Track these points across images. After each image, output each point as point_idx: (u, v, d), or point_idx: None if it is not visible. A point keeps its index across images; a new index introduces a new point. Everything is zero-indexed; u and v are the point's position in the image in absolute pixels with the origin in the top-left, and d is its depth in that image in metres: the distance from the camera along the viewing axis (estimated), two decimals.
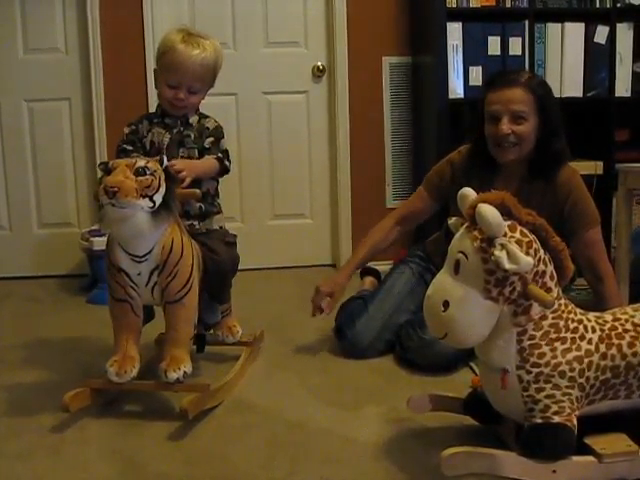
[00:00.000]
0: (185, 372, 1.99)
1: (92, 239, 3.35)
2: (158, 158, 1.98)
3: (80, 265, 3.80)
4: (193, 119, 2.28)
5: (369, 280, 2.89)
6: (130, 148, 2.22)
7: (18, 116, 3.83)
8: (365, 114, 3.90)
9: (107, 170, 1.91)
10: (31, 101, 3.83)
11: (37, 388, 2.27)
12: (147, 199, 1.88)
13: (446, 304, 1.54)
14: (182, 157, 2.21)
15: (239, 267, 2.38)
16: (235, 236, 2.37)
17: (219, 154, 2.24)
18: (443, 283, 1.59)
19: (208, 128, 2.27)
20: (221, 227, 2.33)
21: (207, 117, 2.31)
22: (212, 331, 2.44)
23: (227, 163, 2.25)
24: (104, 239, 2.11)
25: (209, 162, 2.21)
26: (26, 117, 3.84)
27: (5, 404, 2.14)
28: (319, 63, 3.91)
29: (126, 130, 2.27)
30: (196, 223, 2.25)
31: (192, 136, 2.25)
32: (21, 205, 3.89)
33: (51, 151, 3.85)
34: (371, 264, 2.86)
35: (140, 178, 1.88)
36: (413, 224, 2.58)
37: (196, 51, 2.19)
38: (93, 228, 3.44)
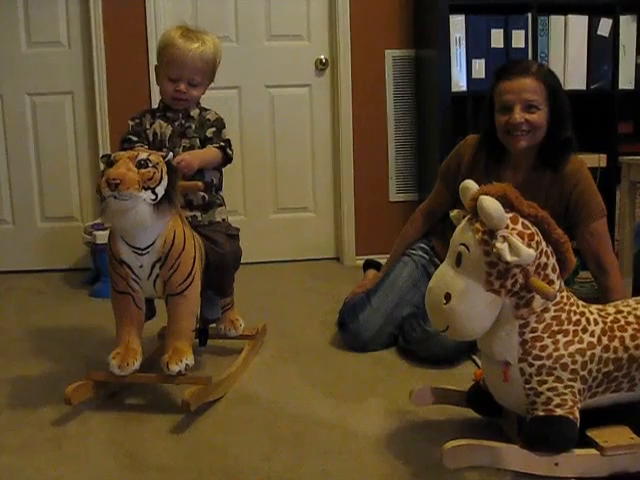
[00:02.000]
0: (187, 364, 1.99)
1: (95, 233, 3.35)
2: (163, 153, 1.99)
3: (83, 259, 3.81)
4: (194, 112, 2.30)
5: (372, 273, 2.88)
6: (135, 139, 2.24)
7: (21, 110, 3.83)
8: (368, 107, 3.89)
9: (109, 162, 1.92)
10: (34, 95, 3.83)
11: (39, 381, 2.27)
12: (149, 191, 1.88)
13: (448, 296, 1.54)
14: (184, 147, 2.23)
15: (242, 260, 2.38)
16: (238, 229, 2.37)
17: (221, 143, 2.25)
18: (445, 275, 1.59)
19: (209, 119, 2.29)
20: (224, 219, 2.33)
21: (208, 110, 2.33)
22: (214, 325, 2.44)
23: (229, 152, 2.27)
24: (107, 233, 2.11)
25: (211, 151, 2.23)
26: (29, 111, 3.84)
27: (7, 397, 2.14)
28: (322, 56, 3.90)
29: (131, 123, 2.30)
30: (199, 214, 2.25)
31: (193, 127, 2.26)
32: (24, 199, 3.90)
33: (54, 145, 3.86)
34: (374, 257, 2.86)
35: (142, 170, 1.88)
36: (439, 214, 2.57)
37: (196, 44, 2.22)
38: (96, 222, 3.44)
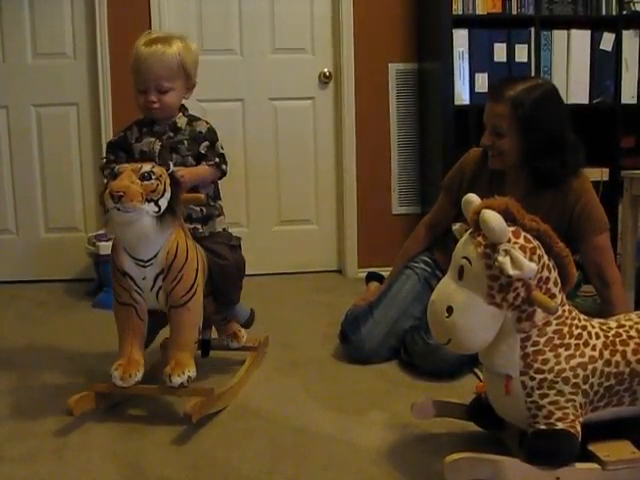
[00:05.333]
0: (189, 377, 1.99)
1: (98, 243, 3.36)
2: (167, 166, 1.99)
3: (86, 269, 3.81)
4: (181, 122, 2.23)
5: (374, 286, 2.89)
6: (112, 157, 2.22)
7: (26, 121, 3.85)
8: (371, 120, 3.90)
9: (113, 175, 1.92)
10: (39, 106, 3.85)
11: (41, 391, 2.27)
12: (152, 204, 1.89)
13: (450, 310, 1.54)
14: (175, 163, 2.12)
15: (244, 272, 2.38)
16: (239, 239, 2.37)
17: (216, 159, 2.21)
18: (447, 289, 1.59)
19: (201, 132, 2.23)
20: (224, 229, 2.32)
21: (197, 119, 2.27)
22: (217, 335, 2.45)
23: (224, 167, 2.23)
24: (110, 244, 2.12)
25: (206, 169, 2.19)
26: (34, 122, 3.86)
27: (9, 407, 2.14)
28: (325, 69, 3.92)
29: (113, 140, 2.27)
30: (199, 226, 2.24)
31: (185, 143, 2.21)
32: (28, 209, 3.91)
33: (58, 156, 3.88)
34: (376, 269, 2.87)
35: (145, 183, 1.89)
36: (442, 227, 2.56)
37: (154, 48, 2.15)
38: (99, 232, 3.45)
